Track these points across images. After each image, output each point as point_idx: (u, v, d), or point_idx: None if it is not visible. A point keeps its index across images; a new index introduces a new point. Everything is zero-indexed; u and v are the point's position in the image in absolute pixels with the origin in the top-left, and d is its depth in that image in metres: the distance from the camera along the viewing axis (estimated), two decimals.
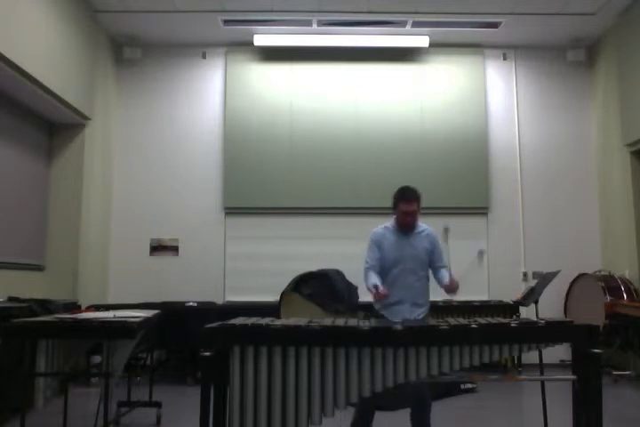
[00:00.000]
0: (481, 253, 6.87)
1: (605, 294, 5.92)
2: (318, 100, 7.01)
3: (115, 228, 6.85)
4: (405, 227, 3.62)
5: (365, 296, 6.14)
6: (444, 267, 3.71)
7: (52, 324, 3.30)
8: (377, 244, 3.64)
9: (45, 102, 5.51)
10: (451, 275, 3.57)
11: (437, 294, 6.54)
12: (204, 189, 6.94)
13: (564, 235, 6.93)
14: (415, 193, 3.59)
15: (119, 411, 4.21)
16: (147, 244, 6.85)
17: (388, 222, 3.72)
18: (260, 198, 6.86)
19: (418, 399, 3.45)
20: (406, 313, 3.54)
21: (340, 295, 5.94)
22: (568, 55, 7.09)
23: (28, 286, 5.37)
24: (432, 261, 3.68)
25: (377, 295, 3.40)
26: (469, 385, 5.29)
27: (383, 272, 3.61)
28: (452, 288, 3.53)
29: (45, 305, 4.78)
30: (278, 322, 2.81)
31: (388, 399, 3.37)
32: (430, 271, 3.72)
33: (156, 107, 7.08)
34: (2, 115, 5.28)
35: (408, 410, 3.50)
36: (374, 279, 3.50)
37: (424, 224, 3.70)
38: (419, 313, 3.60)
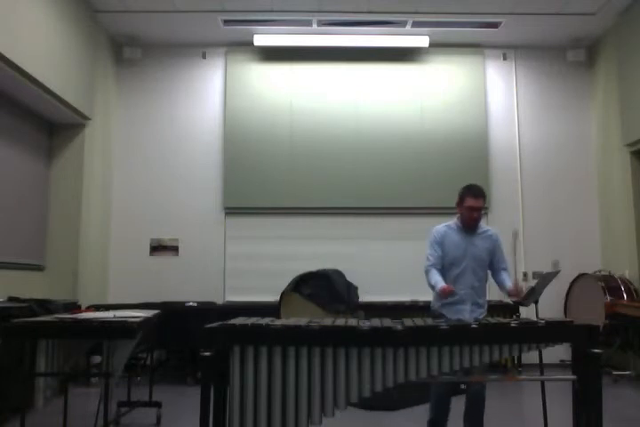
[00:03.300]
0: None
1: (605, 294, 5.92)
2: (318, 100, 7.01)
3: (115, 228, 6.85)
4: (471, 222, 3.56)
5: (365, 296, 6.20)
6: (505, 269, 3.67)
7: (52, 324, 3.29)
8: (438, 242, 3.58)
9: (45, 102, 5.51)
10: (515, 278, 3.55)
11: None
12: (204, 189, 6.94)
13: (564, 235, 6.92)
14: (482, 190, 3.59)
15: (119, 411, 4.20)
16: (147, 244, 6.85)
17: (451, 221, 3.68)
18: (260, 198, 6.86)
19: (475, 397, 3.38)
20: (467, 313, 3.49)
21: (340, 295, 5.94)
22: (568, 55, 7.09)
23: (28, 286, 5.38)
24: (493, 263, 3.65)
25: (442, 293, 3.34)
26: None
27: (444, 271, 3.56)
28: (515, 292, 3.49)
29: (45, 305, 4.78)
30: (278, 322, 2.81)
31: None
32: (490, 273, 3.68)
33: (156, 107, 7.07)
34: (2, 115, 5.28)
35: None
36: (437, 277, 3.44)
37: (488, 226, 3.67)
38: (479, 313, 3.56)
